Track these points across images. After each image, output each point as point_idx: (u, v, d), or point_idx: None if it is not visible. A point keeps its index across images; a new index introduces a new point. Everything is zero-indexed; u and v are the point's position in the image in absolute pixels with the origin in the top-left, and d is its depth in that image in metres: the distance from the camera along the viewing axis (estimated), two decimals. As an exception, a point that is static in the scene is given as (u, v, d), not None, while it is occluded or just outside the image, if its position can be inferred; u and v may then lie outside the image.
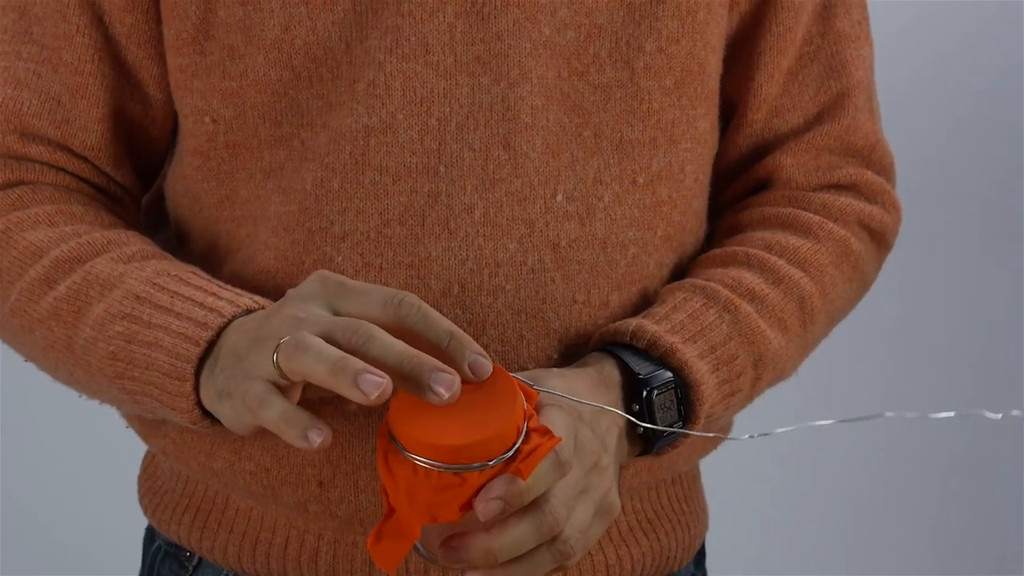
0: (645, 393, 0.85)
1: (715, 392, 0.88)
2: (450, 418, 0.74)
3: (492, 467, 0.74)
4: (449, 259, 0.88)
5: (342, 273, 0.88)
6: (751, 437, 0.87)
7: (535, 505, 0.76)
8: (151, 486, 1.02)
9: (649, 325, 0.87)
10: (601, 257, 0.91)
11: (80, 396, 0.94)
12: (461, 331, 0.75)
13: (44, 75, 0.94)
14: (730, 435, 0.92)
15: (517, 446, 0.75)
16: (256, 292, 0.91)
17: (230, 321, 0.82)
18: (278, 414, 0.74)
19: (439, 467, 0.73)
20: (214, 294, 0.84)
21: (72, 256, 0.89)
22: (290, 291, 0.80)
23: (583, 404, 0.81)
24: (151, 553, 1.02)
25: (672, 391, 0.86)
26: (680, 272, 0.98)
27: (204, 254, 0.96)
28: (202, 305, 0.83)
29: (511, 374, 0.78)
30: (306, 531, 0.92)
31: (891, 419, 2.05)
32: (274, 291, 0.90)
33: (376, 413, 0.87)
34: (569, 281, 0.90)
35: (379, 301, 0.76)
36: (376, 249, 0.88)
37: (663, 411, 0.86)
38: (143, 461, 1.05)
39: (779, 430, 0.88)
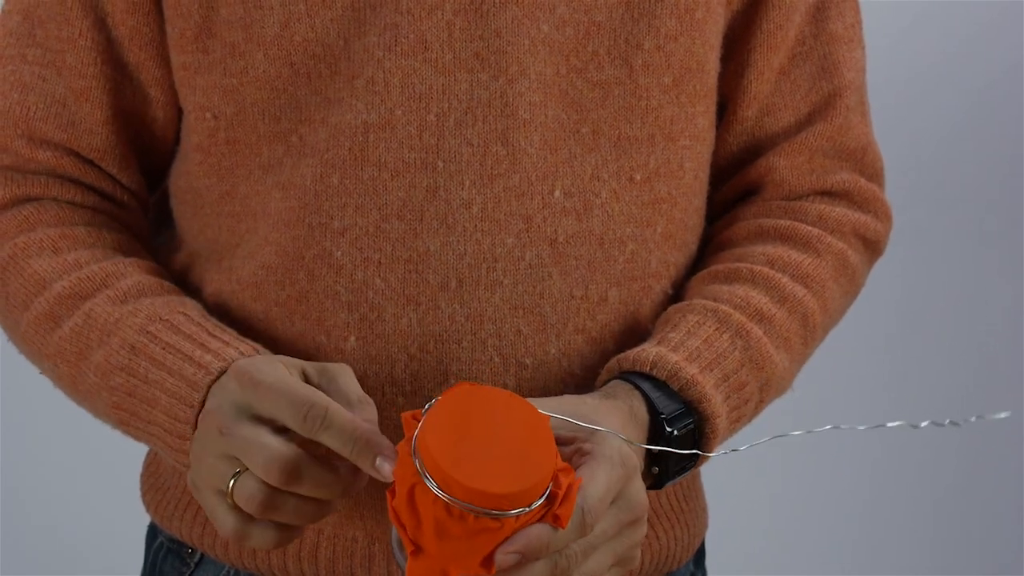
0: (667, 434, 0.85)
1: (726, 420, 0.89)
2: (489, 458, 0.73)
3: (530, 511, 0.73)
4: (447, 254, 0.88)
5: (341, 268, 0.89)
6: (724, 453, 0.88)
7: None
8: (153, 483, 1.02)
9: (668, 355, 0.87)
10: (599, 253, 0.91)
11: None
12: (365, 429, 0.76)
13: (49, 78, 0.94)
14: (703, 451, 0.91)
15: (549, 488, 0.74)
16: (257, 288, 0.92)
17: (217, 378, 0.83)
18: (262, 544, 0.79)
19: (479, 511, 0.72)
20: (202, 344, 0.86)
21: (73, 292, 0.91)
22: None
23: (632, 444, 0.81)
24: (153, 550, 1.03)
25: (691, 432, 0.87)
26: (689, 271, 0.99)
27: (206, 251, 0.96)
28: (190, 359, 0.85)
29: (545, 411, 0.78)
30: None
31: (876, 423, 2.04)
32: (275, 287, 0.91)
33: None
34: (567, 276, 0.90)
35: (288, 412, 0.77)
36: (375, 244, 0.88)
37: (679, 447, 0.86)
38: (145, 459, 1.05)
39: (743, 447, 0.88)
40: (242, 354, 0.85)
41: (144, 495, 1.03)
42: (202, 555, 0.98)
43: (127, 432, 0.90)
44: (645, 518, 0.80)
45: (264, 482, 0.77)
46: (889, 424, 0.86)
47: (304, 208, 0.89)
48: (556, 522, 0.73)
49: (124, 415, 0.88)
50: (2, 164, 0.96)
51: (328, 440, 0.76)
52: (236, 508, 0.78)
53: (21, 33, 0.95)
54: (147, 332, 0.87)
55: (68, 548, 2.07)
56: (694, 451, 0.86)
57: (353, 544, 0.92)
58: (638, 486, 0.79)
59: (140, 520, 1.06)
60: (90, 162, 0.96)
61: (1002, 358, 2.14)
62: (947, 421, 0.86)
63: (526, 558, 0.73)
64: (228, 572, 0.96)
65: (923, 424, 0.86)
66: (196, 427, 0.83)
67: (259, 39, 0.89)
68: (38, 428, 2.02)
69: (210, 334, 0.87)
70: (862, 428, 0.88)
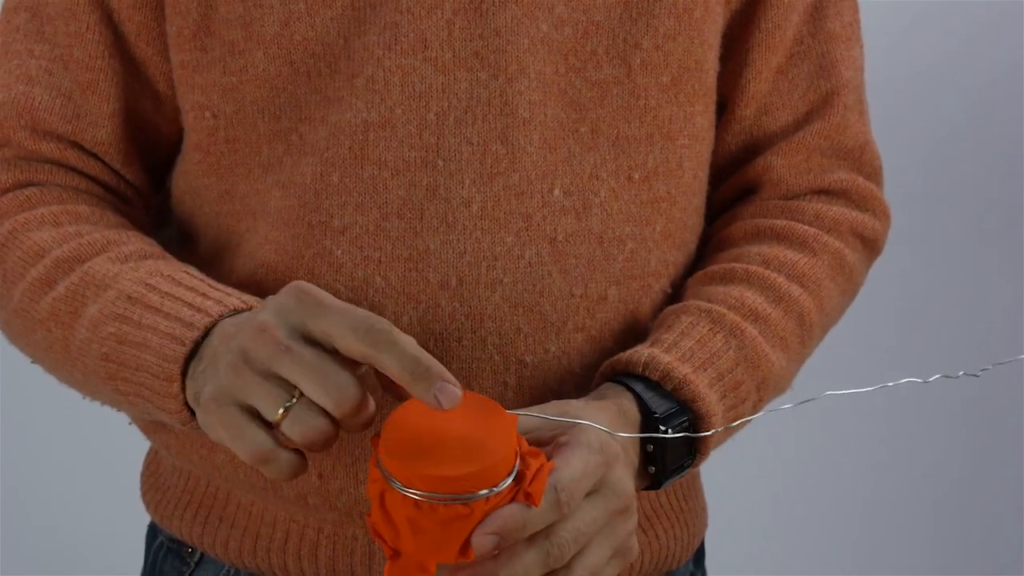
0: (661, 432, 0.85)
1: (722, 420, 0.89)
2: (447, 448, 0.73)
3: (499, 492, 0.72)
4: (447, 252, 0.88)
5: (342, 267, 0.89)
6: (716, 431, 0.88)
7: (544, 534, 0.75)
8: (153, 483, 1.02)
9: (661, 355, 0.87)
10: (598, 252, 0.91)
11: (84, 398, 0.94)
12: (430, 357, 0.73)
13: (55, 72, 0.94)
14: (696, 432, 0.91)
15: (516, 469, 0.73)
16: (257, 287, 0.91)
17: (217, 321, 0.82)
18: (283, 467, 0.76)
19: (446, 499, 0.71)
20: (203, 294, 0.84)
21: (72, 256, 0.89)
22: (270, 299, 0.78)
23: (618, 437, 0.80)
24: (153, 549, 1.03)
25: (684, 430, 0.86)
26: (690, 270, 0.99)
27: (206, 250, 0.96)
28: (190, 305, 0.83)
29: (525, 410, 0.78)
30: (306, 525, 0.93)
31: (885, 406, 2.04)
32: (274, 285, 0.90)
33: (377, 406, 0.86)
34: (566, 275, 0.90)
35: (350, 325, 0.74)
36: (375, 243, 0.88)
37: (675, 450, 0.86)
38: (145, 458, 1.06)
39: (734, 424, 0.89)
40: (245, 303, 0.83)
41: (144, 495, 1.03)
42: (202, 554, 0.98)
43: (116, 390, 0.86)
44: (634, 507, 0.80)
45: (327, 415, 0.74)
46: (891, 383, 0.86)
47: (304, 207, 0.89)
48: (528, 500, 0.73)
49: (112, 367, 0.85)
50: (4, 156, 0.96)
51: (389, 359, 0.73)
52: (267, 428, 0.75)
53: (29, 30, 0.95)
54: (146, 284, 0.86)
55: (68, 548, 2.07)
56: (683, 434, 0.85)
57: (353, 543, 0.92)
58: (620, 474, 0.79)
59: (140, 520, 1.06)
60: (94, 155, 0.96)
61: (1002, 358, 2.14)
62: (960, 373, 0.85)
63: (504, 539, 0.72)
64: (228, 571, 0.97)
65: (933, 378, 0.84)
66: (187, 367, 0.80)
67: (259, 37, 0.89)
68: (38, 428, 2.02)
69: (212, 287, 0.85)
70: (871, 389, 0.87)
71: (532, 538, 0.75)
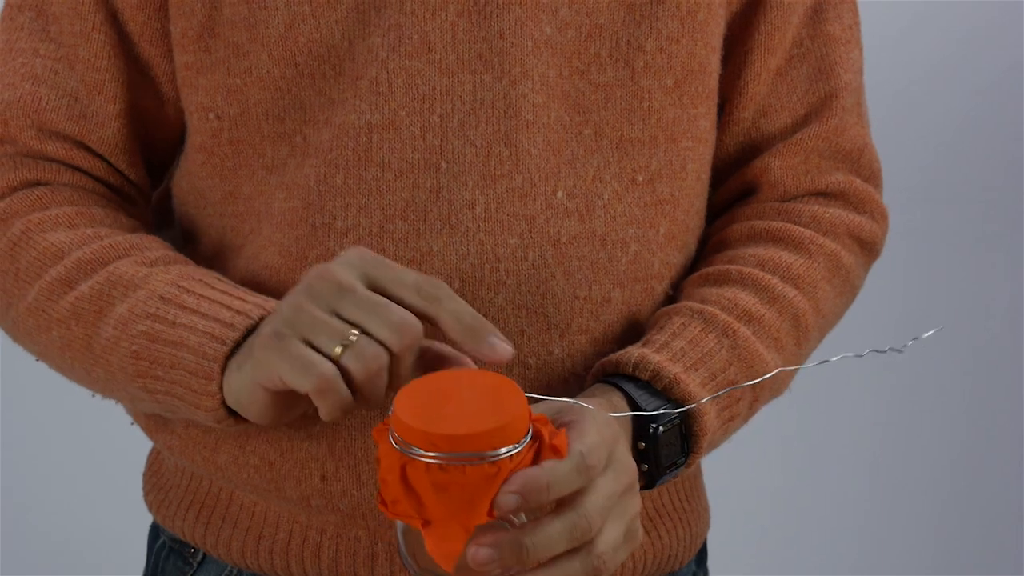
0: (652, 430, 0.85)
1: (715, 420, 0.89)
2: (462, 411, 0.73)
3: (520, 451, 0.73)
4: (450, 254, 0.88)
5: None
6: (705, 401, 0.88)
7: (569, 506, 0.75)
8: (156, 483, 1.02)
9: (651, 355, 0.87)
10: (601, 254, 0.91)
11: (94, 396, 0.94)
12: (483, 318, 0.78)
13: (61, 72, 0.94)
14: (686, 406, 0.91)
15: (532, 430, 0.74)
16: (260, 288, 0.91)
17: (257, 323, 0.82)
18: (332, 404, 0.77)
19: (472, 458, 0.72)
20: (241, 298, 0.85)
21: (95, 258, 0.89)
22: (332, 263, 0.81)
23: (617, 416, 0.81)
24: (156, 550, 1.03)
25: (676, 426, 0.86)
26: (686, 272, 0.99)
27: (210, 251, 0.96)
28: (229, 307, 0.84)
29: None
30: (308, 526, 0.93)
31: (886, 407, 2.04)
32: (278, 286, 0.91)
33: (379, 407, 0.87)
34: (570, 277, 0.90)
35: (413, 281, 0.78)
36: (378, 244, 0.88)
37: (668, 447, 0.86)
38: (148, 458, 1.05)
39: (706, 398, 0.89)
40: None
41: (147, 495, 1.03)
42: (204, 555, 0.98)
43: (143, 388, 0.86)
44: (637, 487, 0.80)
45: (387, 349, 0.76)
46: (834, 359, 0.88)
47: (307, 208, 0.90)
48: (555, 453, 0.74)
49: (143, 364, 0.85)
50: (8, 152, 0.96)
51: (446, 312, 0.77)
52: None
53: (34, 29, 0.95)
54: (179, 286, 0.86)
55: (70, 548, 2.07)
56: (681, 408, 0.86)
57: (356, 543, 0.92)
58: (624, 450, 0.80)
59: (142, 520, 1.06)
60: (100, 156, 0.96)
61: (1002, 358, 2.14)
62: (888, 348, 0.89)
63: (526, 499, 0.72)
64: (230, 572, 0.97)
65: (866, 352, 0.87)
66: (226, 365, 0.82)
67: (263, 39, 0.89)
68: (40, 428, 2.02)
69: (247, 292, 0.86)
70: (811, 366, 0.90)
71: (558, 509, 0.75)
